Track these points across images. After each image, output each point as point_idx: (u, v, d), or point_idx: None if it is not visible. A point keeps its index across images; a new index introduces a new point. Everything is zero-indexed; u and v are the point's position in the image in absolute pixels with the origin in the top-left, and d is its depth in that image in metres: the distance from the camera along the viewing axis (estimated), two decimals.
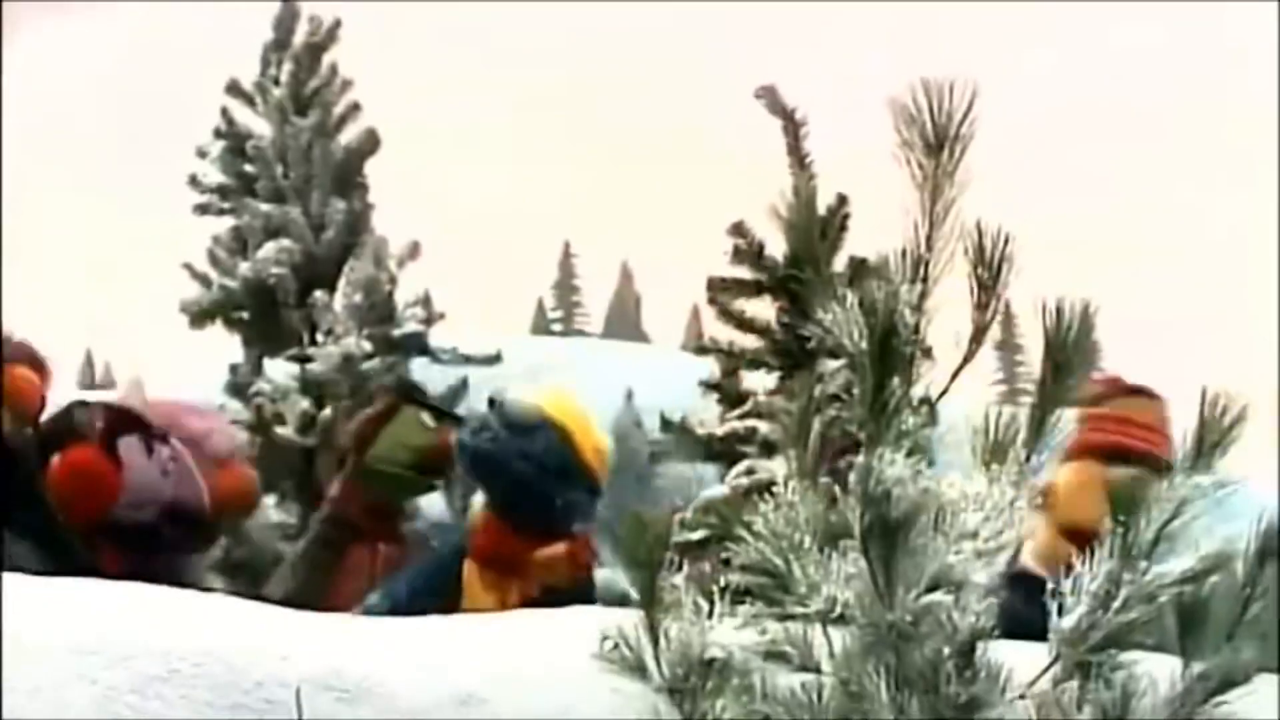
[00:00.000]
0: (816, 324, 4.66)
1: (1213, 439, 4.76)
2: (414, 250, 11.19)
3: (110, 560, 9.47)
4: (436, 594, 9.32)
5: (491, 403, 10.50)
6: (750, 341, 9.08)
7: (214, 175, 10.96)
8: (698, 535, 7.55)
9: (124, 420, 9.70)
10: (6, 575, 7.45)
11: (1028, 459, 4.78)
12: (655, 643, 4.75)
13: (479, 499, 9.58)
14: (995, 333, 4.83)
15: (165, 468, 9.67)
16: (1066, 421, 4.97)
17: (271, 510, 10.11)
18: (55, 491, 9.45)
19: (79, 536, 9.56)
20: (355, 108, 11.33)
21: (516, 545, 9.33)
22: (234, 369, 10.91)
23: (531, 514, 9.17)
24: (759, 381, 9.13)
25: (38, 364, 10.29)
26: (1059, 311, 4.80)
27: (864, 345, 4.56)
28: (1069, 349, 4.82)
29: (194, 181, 11.02)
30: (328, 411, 10.80)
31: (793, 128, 7.60)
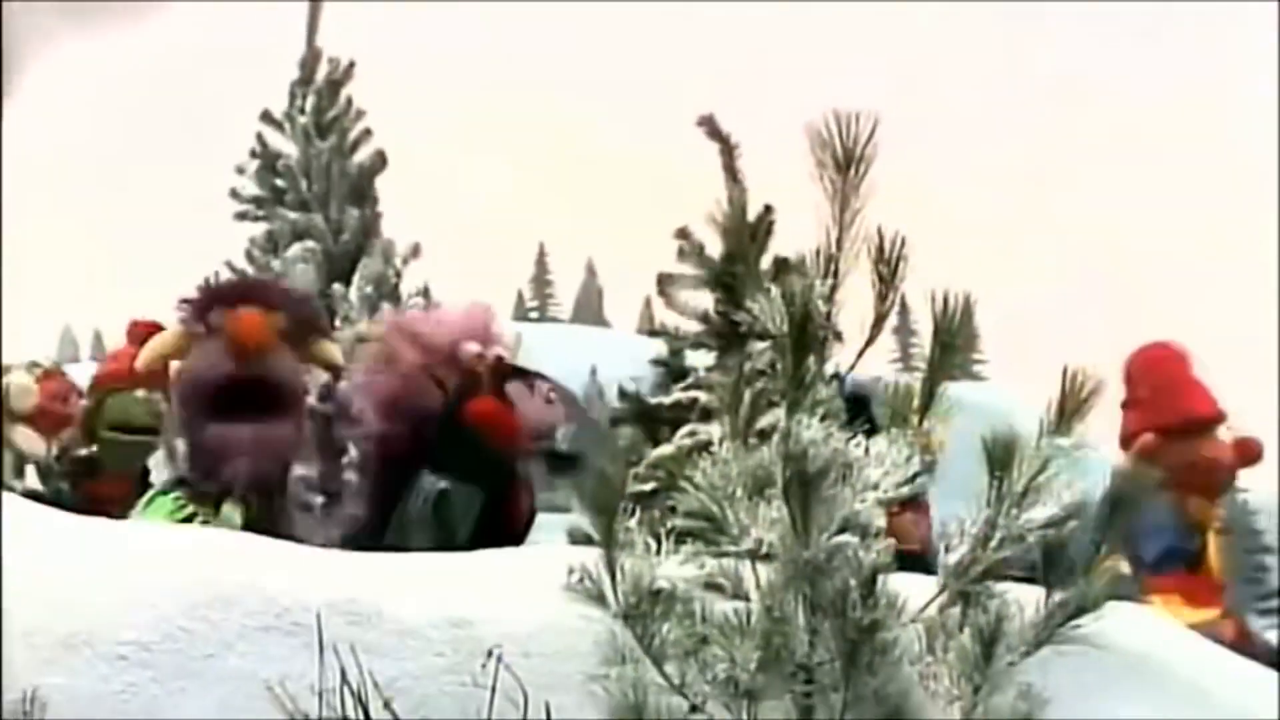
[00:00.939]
0: (746, 312, 4.68)
1: (1071, 409, 4.78)
2: (415, 250, 11.18)
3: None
4: None
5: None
6: (692, 326, 9.05)
7: (250, 188, 10.97)
8: (648, 487, 7.51)
9: (503, 371, 9.69)
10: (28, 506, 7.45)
11: (920, 423, 4.80)
12: (613, 576, 4.76)
13: None
14: (893, 319, 4.85)
15: (547, 398, 9.69)
16: (956, 394, 5.00)
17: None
18: (471, 435, 9.54)
19: (503, 466, 9.80)
20: (367, 133, 11.34)
21: None
22: None
23: None
24: (699, 360, 9.13)
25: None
26: (945, 302, 4.83)
27: (785, 329, 4.57)
28: (953, 332, 4.85)
29: (234, 194, 11.04)
30: (344, 383, 10.74)
31: (727, 150, 7.61)
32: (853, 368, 5.04)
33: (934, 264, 5.03)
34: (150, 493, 9.53)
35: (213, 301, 9.49)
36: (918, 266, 4.74)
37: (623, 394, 10.38)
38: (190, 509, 9.30)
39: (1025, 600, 4.75)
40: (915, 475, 4.68)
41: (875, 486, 4.53)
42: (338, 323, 11.52)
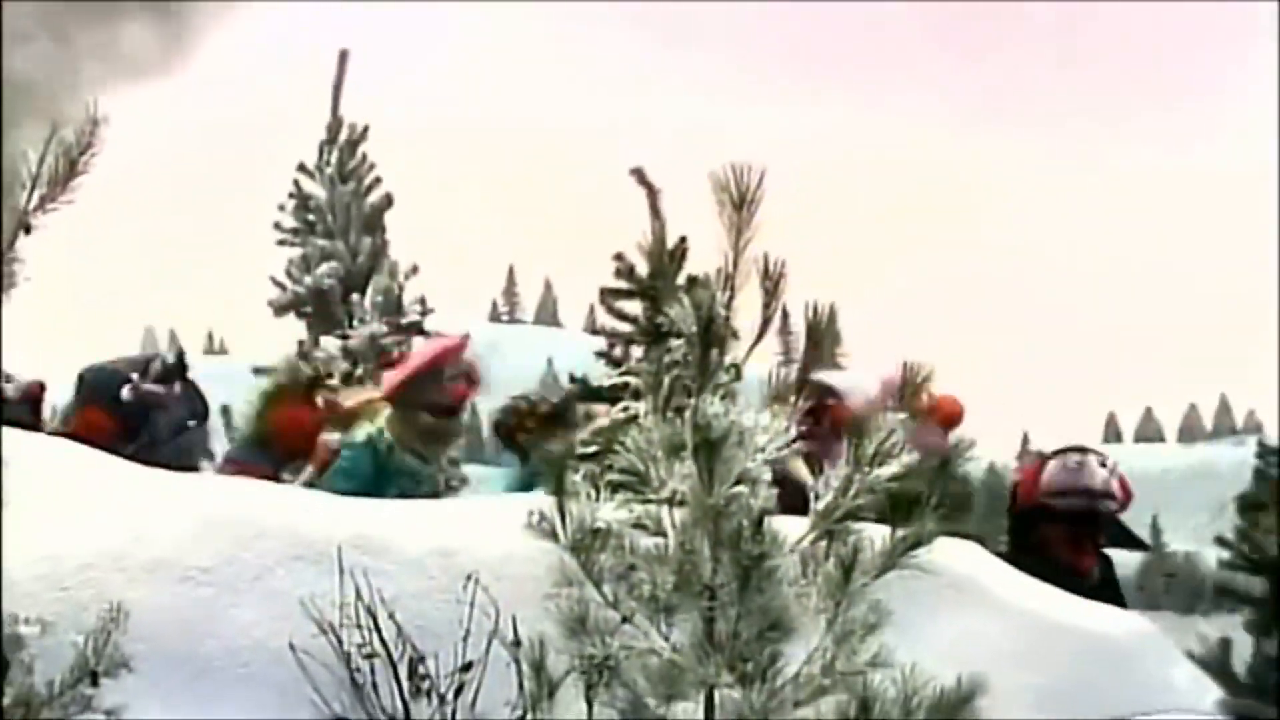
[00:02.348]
0: (666, 317, 4.68)
1: (910, 391, 4.79)
2: (414, 269, 11.21)
3: None
4: None
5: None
6: (626, 327, 9.02)
7: (289, 222, 10.95)
8: (591, 450, 7.49)
9: None
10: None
11: (795, 402, 4.79)
12: (563, 517, 4.73)
13: None
14: (776, 322, 4.85)
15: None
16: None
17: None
18: None
19: None
20: (377, 180, 11.35)
21: None
22: (300, 344, 10.88)
23: None
24: (632, 353, 9.11)
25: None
26: (814, 310, 4.84)
27: (695, 330, 4.55)
28: (820, 333, 4.86)
29: (277, 226, 11.02)
30: (360, 371, 10.75)
31: (652, 194, 7.61)
32: (745, 359, 5.03)
33: (811, 280, 5.01)
34: None
35: None
36: (796, 282, 4.74)
37: (572, 379, 10.32)
38: None
39: (875, 536, 4.75)
40: (791, 441, 4.67)
41: (762, 449, 4.51)
42: (355, 324, 11.46)
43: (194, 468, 9.67)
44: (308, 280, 11.71)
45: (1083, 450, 10.73)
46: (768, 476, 4.52)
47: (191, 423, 10.37)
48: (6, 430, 8.41)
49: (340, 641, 5.66)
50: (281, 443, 10.04)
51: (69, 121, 3.90)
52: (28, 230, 3.99)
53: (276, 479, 9.46)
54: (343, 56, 12.02)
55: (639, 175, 8.05)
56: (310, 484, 9.75)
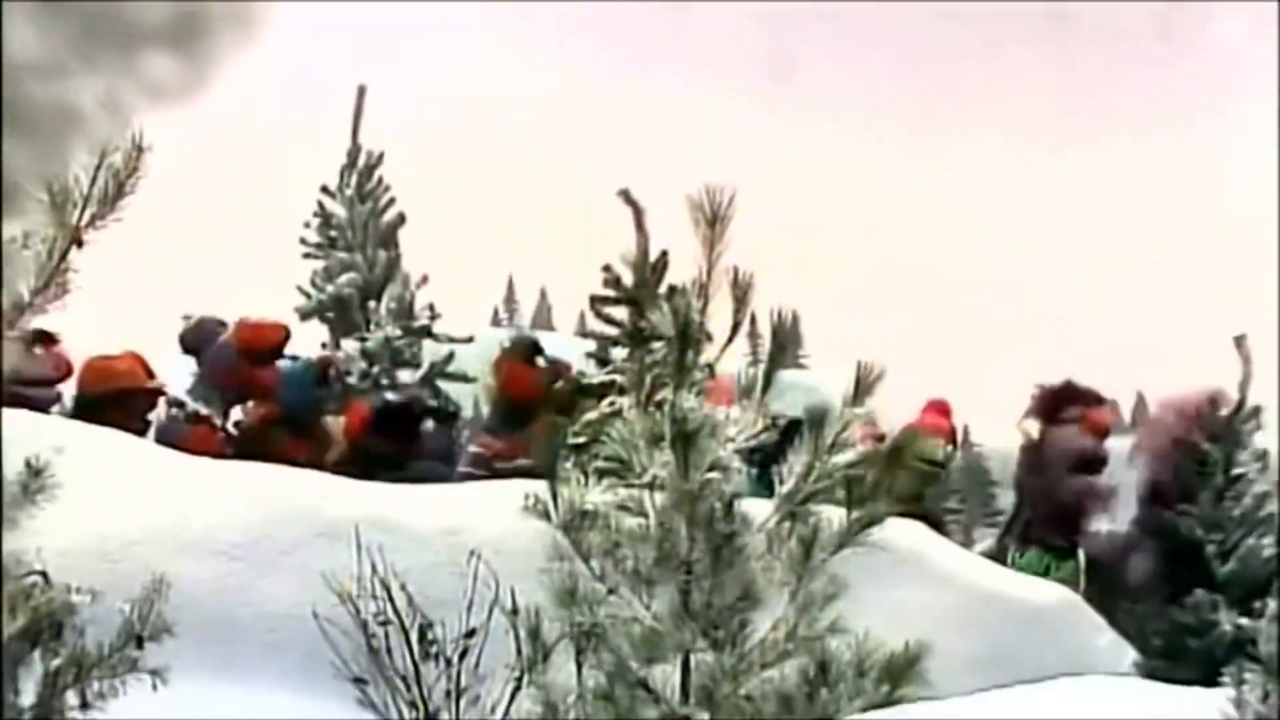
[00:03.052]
0: (648, 322, 4.68)
1: (864, 388, 4.78)
2: (424, 279, 11.18)
3: None
4: None
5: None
6: (612, 331, 9.00)
7: (313, 237, 10.92)
8: (581, 440, 7.49)
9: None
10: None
11: (762, 397, 4.78)
12: (555, 499, 4.72)
13: None
14: (745, 327, 4.85)
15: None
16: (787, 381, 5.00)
17: None
18: None
19: None
20: (392, 200, 11.35)
21: None
22: (324, 345, 10.88)
23: None
24: (618, 354, 9.08)
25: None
26: (779, 316, 4.83)
27: (673, 333, 4.54)
28: (784, 337, 4.85)
29: (302, 241, 11.00)
30: (376, 369, 10.73)
31: (637, 212, 7.58)
32: (718, 359, 5.02)
33: (775, 289, 4.99)
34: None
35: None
36: (763, 291, 4.73)
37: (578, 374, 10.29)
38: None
39: (833, 516, 4.74)
40: (760, 432, 4.67)
41: (732, 440, 4.51)
42: (372, 328, 11.44)
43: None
44: (330, 289, 11.68)
45: None
46: (738, 464, 4.52)
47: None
48: (66, 421, 8.42)
49: (358, 610, 5.64)
50: (514, 402, 9.83)
51: (111, 147, 3.91)
52: (79, 244, 3.99)
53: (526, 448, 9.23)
54: (361, 91, 11.99)
55: (625, 195, 8.03)
56: None
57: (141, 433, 8.60)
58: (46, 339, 8.64)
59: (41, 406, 8.12)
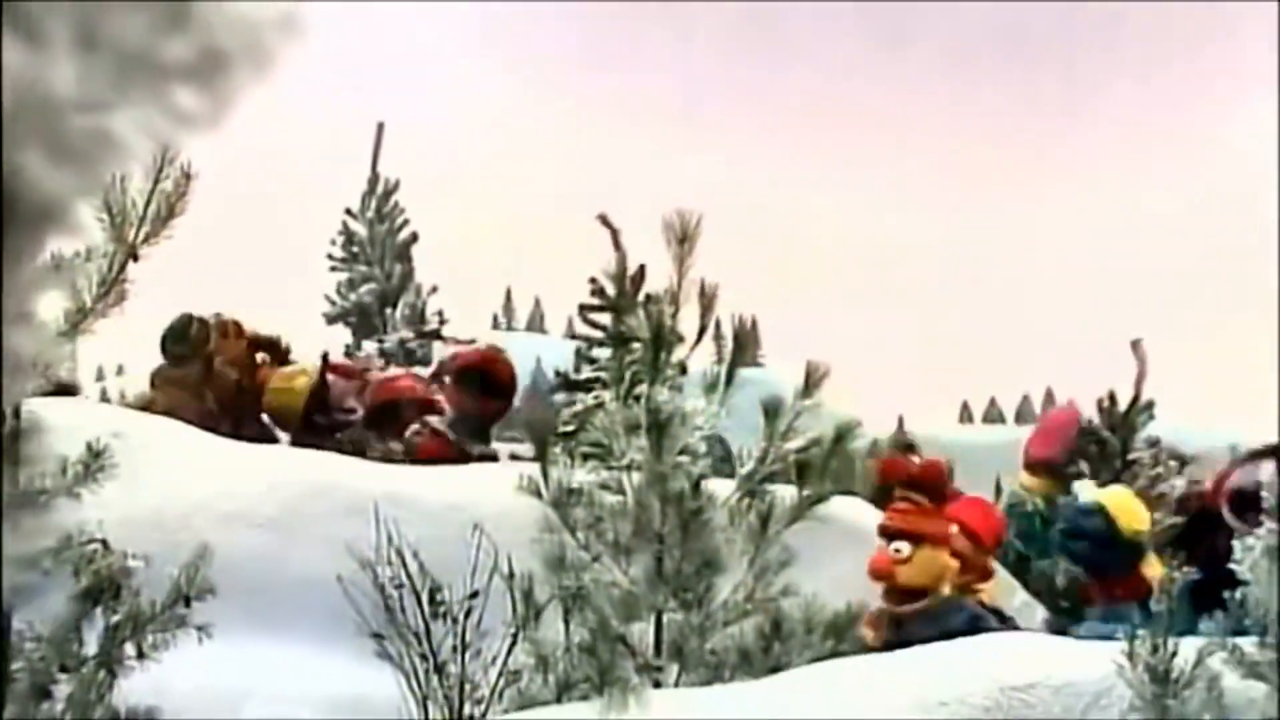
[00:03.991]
0: (628, 326, 4.67)
1: (813, 384, 4.77)
2: (433, 289, 11.22)
3: None
4: None
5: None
6: (597, 334, 9.02)
7: (339, 253, 10.94)
8: (570, 428, 7.48)
9: None
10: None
11: (726, 392, 4.78)
12: (546, 479, 4.71)
13: None
14: (711, 330, 4.84)
15: None
16: (746, 377, 5.00)
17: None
18: None
19: None
20: (406, 221, 11.37)
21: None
22: (347, 346, 10.90)
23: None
24: (602, 353, 9.09)
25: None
26: (740, 321, 4.83)
27: (649, 336, 4.53)
28: (744, 339, 4.85)
29: (329, 256, 11.03)
30: (393, 369, 10.79)
31: (614, 234, 7.58)
32: (687, 357, 5.01)
33: (737, 297, 4.99)
34: None
35: None
36: (726, 299, 4.73)
37: (556, 374, 10.26)
38: None
39: (785, 495, 4.74)
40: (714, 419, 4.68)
41: (699, 428, 4.49)
42: (388, 331, 11.43)
43: None
44: (352, 297, 11.68)
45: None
46: (704, 449, 4.51)
47: None
48: (123, 409, 8.37)
49: (376, 575, 5.62)
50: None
51: (163, 175, 3.92)
52: (135, 258, 3.99)
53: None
54: (379, 128, 11.99)
55: (603, 219, 8.03)
56: None
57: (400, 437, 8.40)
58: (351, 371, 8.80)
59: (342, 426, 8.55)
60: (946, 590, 5.51)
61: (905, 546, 5.50)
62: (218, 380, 8.80)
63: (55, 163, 0.56)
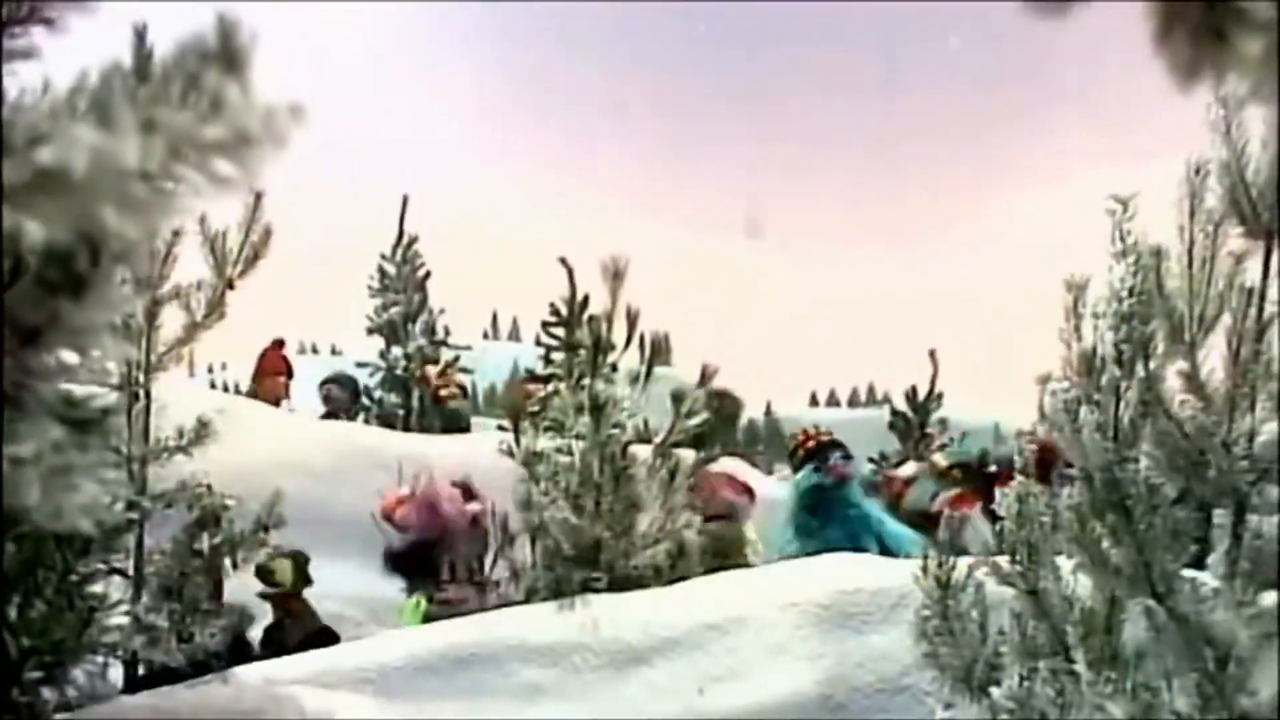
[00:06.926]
0: (577, 337, 4.63)
1: (706, 379, 4.75)
2: (442, 311, 11.24)
3: None
4: None
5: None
6: (555, 342, 9.00)
7: (375, 284, 10.87)
8: (535, 408, 7.44)
9: None
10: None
11: (645, 384, 4.75)
12: (518, 445, 4.66)
13: None
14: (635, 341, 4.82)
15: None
16: (659, 374, 4.96)
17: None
18: None
19: None
20: (423, 263, 11.33)
21: None
22: (381, 352, 10.81)
23: None
24: (558, 356, 9.08)
25: None
26: (655, 335, 4.79)
27: (591, 344, 4.50)
28: (659, 346, 4.82)
29: (369, 288, 10.94)
30: (413, 366, 10.73)
31: (569, 271, 7.56)
32: (618, 358, 4.96)
33: (653, 318, 4.95)
34: None
35: None
36: (645, 319, 4.70)
37: (527, 371, 10.21)
38: None
39: (686, 456, 4.71)
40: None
41: (626, 409, 4.46)
42: (410, 340, 11.36)
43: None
44: (385, 316, 11.59)
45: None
46: (630, 424, 4.48)
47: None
48: (224, 394, 8.27)
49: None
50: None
51: (241, 226, 3.89)
52: (232, 287, 3.99)
53: None
54: (405, 200, 11.91)
55: (563, 261, 7.96)
56: None
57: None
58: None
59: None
60: None
61: None
62: None
63: (124, 216, 0.53)
